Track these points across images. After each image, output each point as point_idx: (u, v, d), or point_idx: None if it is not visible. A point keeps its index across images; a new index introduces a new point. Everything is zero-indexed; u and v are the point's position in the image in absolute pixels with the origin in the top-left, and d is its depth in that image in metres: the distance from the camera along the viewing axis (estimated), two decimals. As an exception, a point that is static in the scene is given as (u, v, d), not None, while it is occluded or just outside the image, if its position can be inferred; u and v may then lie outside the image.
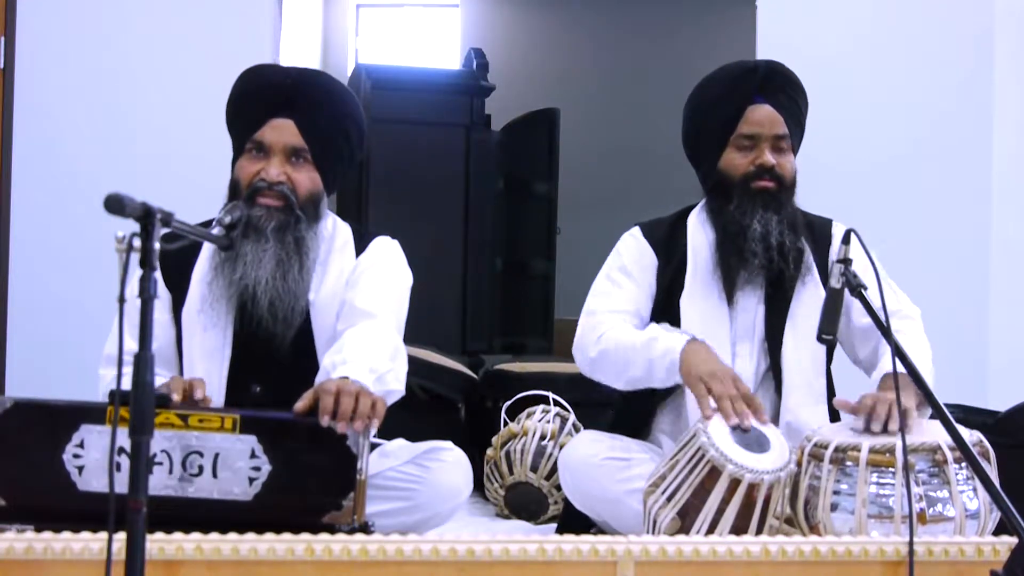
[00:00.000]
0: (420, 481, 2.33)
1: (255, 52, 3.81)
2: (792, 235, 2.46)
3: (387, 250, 2.46)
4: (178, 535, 1.69)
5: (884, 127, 3.91)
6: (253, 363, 2.31)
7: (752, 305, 2.51)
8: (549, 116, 6.19)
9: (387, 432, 2.36)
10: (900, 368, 1.94)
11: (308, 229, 2.31)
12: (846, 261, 2.06)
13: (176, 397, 1.99)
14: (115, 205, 1.44)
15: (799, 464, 2.12)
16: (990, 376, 3.78)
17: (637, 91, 7.99)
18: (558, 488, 3.25)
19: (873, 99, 3.93)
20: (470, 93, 5.71)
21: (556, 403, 3.57)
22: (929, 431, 2.10)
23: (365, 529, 1.92)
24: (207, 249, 2.33)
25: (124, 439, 1.46)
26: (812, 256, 2.51)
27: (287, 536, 1.71)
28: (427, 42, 8.88)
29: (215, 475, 1.91)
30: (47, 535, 1.69)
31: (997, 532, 1.99)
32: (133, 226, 1.49)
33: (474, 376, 4.06)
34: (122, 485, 1.42)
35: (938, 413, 1.87)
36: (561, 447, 2.95)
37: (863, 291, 2.03)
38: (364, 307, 2.31)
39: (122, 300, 1.44)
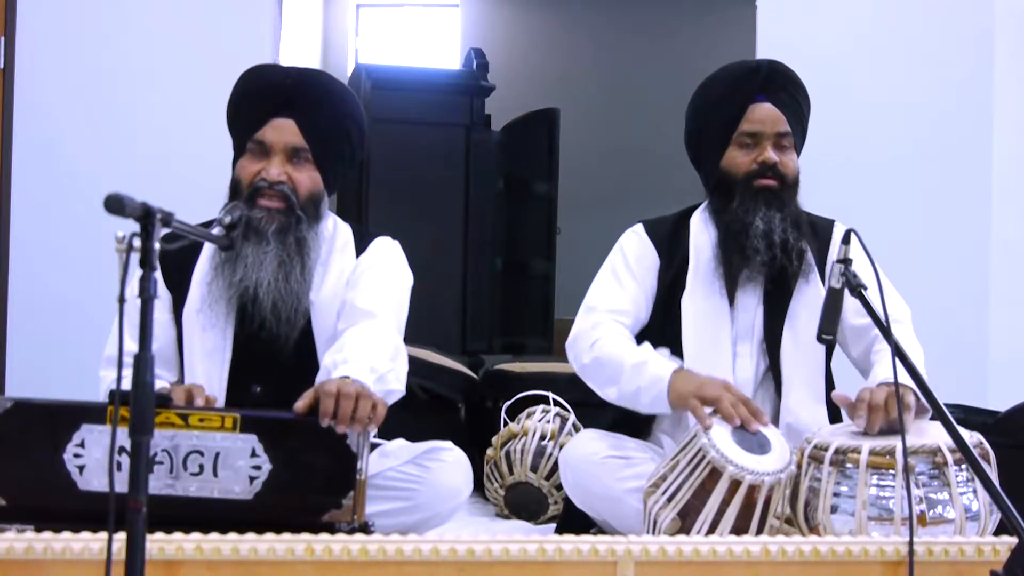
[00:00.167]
0: (420, 481, 2.33)
1: (255, 52, 3.81)
2: (795, 232, 2.46)
3: (387, 250, 2.46)
4: (178, 535, 1.69)
5: (884, 127, 3.91)
6: (254, 363, 2.31)
7: (752, 305, 2.51)
8: (549, 116, 6.19)
9: (387, 432, 2.36)
10: (900, 368, 1.94)
11: (309, 229, 2.31)
12: (846, 261, 2.06)
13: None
14: (115, 205, 1.44)
15: (799, 466, 2.12)
16: (990, 376, 3.77)
17: (637, 91, 8.00)
18: (558, 488, 3.25)
19: (873, 99, 3.92)
20: (470, 93, 5.70)
21: (556, 403, 3.57)
22: (929, 433, 2.09)
23: (365, 529, 1.92)
24: (207, 249, 2.33)
25: (124, 439, 1.46)
26: (813, 256, 2.51)
27: (287, 536, 1.71)
28: (427, 42, 8.88)
29: (215, 474, 1.92)
30: (47, 535, 1.69)
31: (997, 533, 1.99)
32: (133, 226, 1.49)
33: (474, 376, 4.05)
34: (122, 485, 1.43)
35: (938, 414, 1.87)
36: (561, 447, 2.95)
37: (863, 291, 2.03)
38: (365, 307, 2.31)
39: (122, 300, 1.44)
